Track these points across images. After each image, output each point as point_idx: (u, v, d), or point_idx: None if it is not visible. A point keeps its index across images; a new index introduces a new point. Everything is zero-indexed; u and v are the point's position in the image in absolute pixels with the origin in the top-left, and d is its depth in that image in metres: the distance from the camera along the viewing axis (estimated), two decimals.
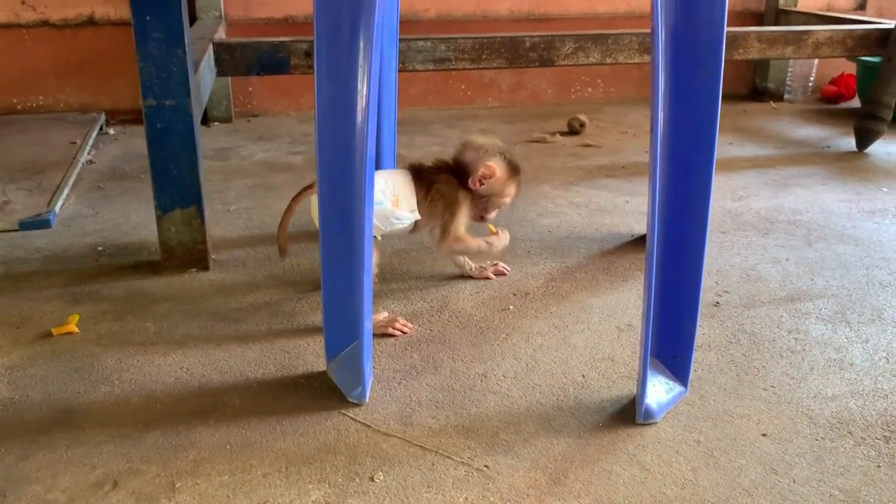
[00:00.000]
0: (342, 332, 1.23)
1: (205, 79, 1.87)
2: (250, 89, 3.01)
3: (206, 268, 1.65)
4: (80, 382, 1.24)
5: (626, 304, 1.52)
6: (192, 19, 2.82)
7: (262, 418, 1.16)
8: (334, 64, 1.12)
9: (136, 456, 1.07)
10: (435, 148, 2.63)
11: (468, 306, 1.50)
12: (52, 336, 1.38)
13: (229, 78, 2.90)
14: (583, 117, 2.85)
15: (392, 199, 1.42)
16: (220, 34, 2.63)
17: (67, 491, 1.00)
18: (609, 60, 2.42)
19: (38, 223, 1.88)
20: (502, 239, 1.55)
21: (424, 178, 1.48)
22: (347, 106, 1.12)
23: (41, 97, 2.85)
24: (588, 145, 2.68)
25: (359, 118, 1.11)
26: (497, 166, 1.48)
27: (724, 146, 2.63)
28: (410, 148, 2.62)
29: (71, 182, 2.16)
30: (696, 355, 1.32)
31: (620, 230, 1.90)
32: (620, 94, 3.32)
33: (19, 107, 2.85)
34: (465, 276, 1.62)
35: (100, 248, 1.77)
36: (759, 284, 1.60)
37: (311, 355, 1.32)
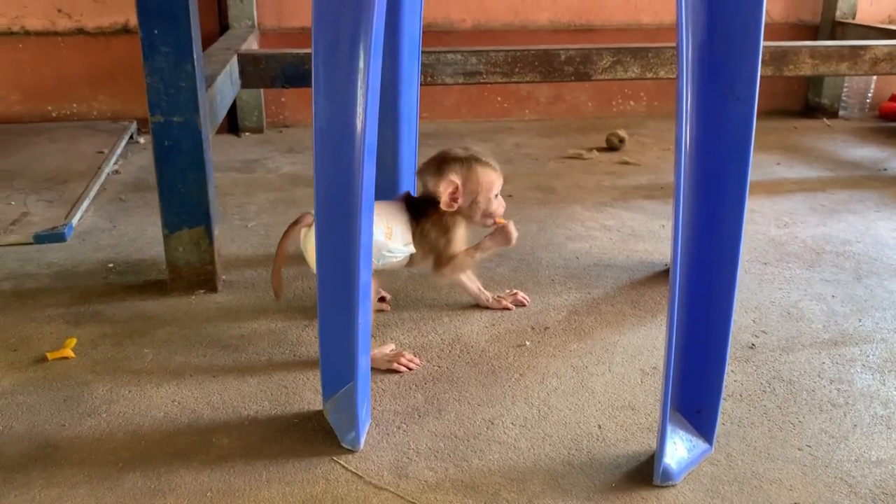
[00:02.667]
0: (339, 370, 1.15)
1: (223, 92, 1.82)
2: (283, 100, 2.97)
3: (213, 289, 1.59)
4: (67, 414, 1.19)
5: (653, 343, 1.41)
6: (224, 28, 2.79)
7: (248, 462, 1.08)
8: (332, 83, 1.04)
9: (111, 501, 1.00)
10: None
11: (482, 340, 1.41)
12: (46, 361, 1.33)
13: (261, 90, 2.87)
14: (622, 132, 2.73)
15: (385, 232, 1.32)
16: (252, 44, 2.59)
17: None
18: (649, 75, 2.31)
19: (53, 237, 1.85)
20: (502, 231, 1.40)
21: (419, 208, 1.38)
22: (346, 128, 1.04)
23: (75, 105, 2.85)
24: (626, 163, 2.57)
25: (357, 142, 1.03)
26: (455, 176, 1.33)
27: (771, 166, 2.48)
28: None
29: (92, 194, 2.13)
30: (725, 406, 1.21)
31: (653, 258, 1.79)
32: (665, 108, 3.19)
33: (54, 114, 2.85)
34: (482, 307, 1.53)
35: (110, 265, 1.73)
36: (800, 324, 1.48)
37: (309, 391, 1.25)
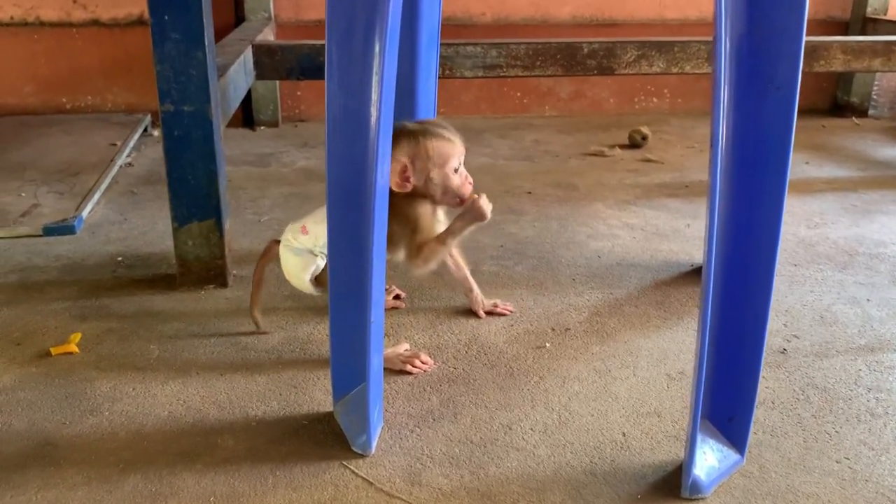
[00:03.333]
0: (350, 370, 1.10)
1: (236, 83, 1.77)
2: (299, 93, 2.92)
3: (224, 284, 1.54)
4: (69, 411, 1.14)
5: (679, 346, 1.34)
6: (240, 20, 2.74)
7: (254, 465, 1.03)
8: (346, 71, 0.99)
9: None
10: (483, 159, 2.49)
11: (500, 341, 1.36)
12: (50, 356, 1.29)
13: (277, 81, 2.82)
14: (645, 129, 2.66)
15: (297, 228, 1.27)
16: (268, 36, 2.54)
17: None
18: (675, 70, 2.24)
19: (63, 229, 1.81)
20: (471, 208, 1.24)
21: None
22: (360, 119, 0.99)
23: (89, 97, 2.82)
24: (649, 160, 2.50)
25: (372, 133, 0.98)
26: (402, 154, 1.20)
27: (800, 165, 2.41)
28: None
29: (104, 186, 2.09)
30: (757, 413, 1.14)
31: (678, 258, 1.72)
32: (688, 105, 3.11)
33: (68, 106, 2.82)
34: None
35: (119, 258, 1.69)
36: (834, 329, 1.41)
37: (319, 392, 1.20)
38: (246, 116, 2.84)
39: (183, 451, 1.06)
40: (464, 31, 2.89)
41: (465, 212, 1.24)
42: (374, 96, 0.97)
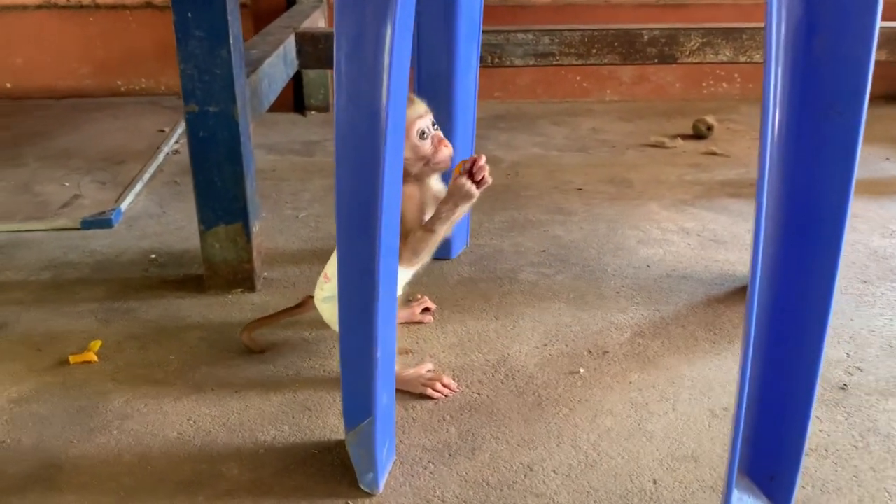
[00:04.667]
0: (360, 401, 1.03)
1: (271, 77, 1.71)
2: None
3: (251, 289, 1.50)
4: (78, 428, 1.12)
5: (725, 377, 1.23)
6: (291, 3, 2.69)
7: (256, 499, 0.98)
8: (355, 82, 0.91)
9: None
10: (535, 149, 2.38)
11: (530, 364, 1.27)
12: (68, 364, 1.27)
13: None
14: (711, 119, 2.50)
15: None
16: (318, 21, 2.48)
17: None
18: (742, 59, 2.08)
19: (100, 223, 1.80)
20: (455, 188, 1.11)
21: None
22: (369, 134, 0.91)
23: (143, 80, 2.83)
24: (713, 153, 2.35)
25: (379, 151, 0.89)
26: None
27: (879, 162, 2.22)
28: (508, 149, 2.39)
29: (146, 177, 2.08)
30: (806, 462, 1.03)
31: (735, 270, 1.59)
32: (760, 92, 2.91)
33: (123, 88, 2.83)
34: (533, 324, 1.39)
35: (153, 256, 1.66)
36: None
37: (333, 416, 1.14)
38: (297, 101, 2.79)
39: (185, 480, 1.02)
40: (521, 13, 2.77)
41: (450, 193, 1.11)
42: (384, 111, 0.89)
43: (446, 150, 1.14)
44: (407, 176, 1.12)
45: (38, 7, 2.72)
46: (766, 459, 0.92)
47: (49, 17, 2.74)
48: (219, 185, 1.42)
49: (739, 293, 1.50)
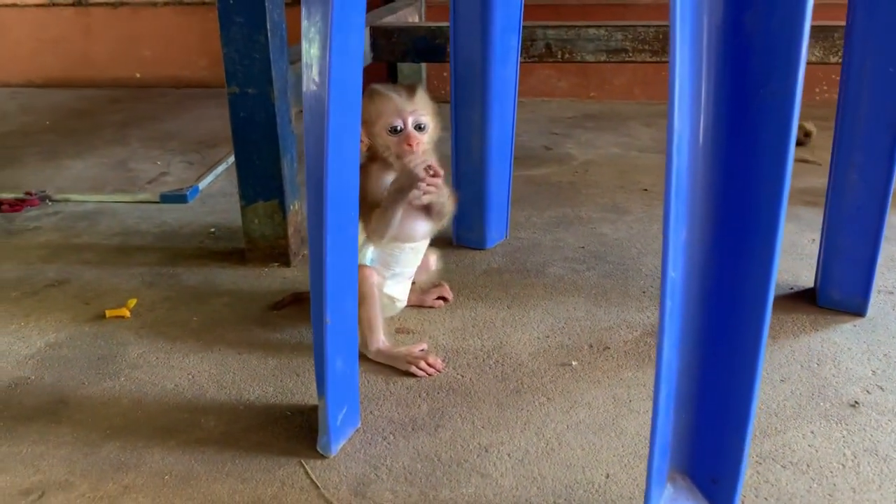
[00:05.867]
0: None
1: None
2: (445, 74, 2.91)
3: (286, 264, 1.58)
4: (92, 373, 1.23)
5: None
6: (388, 0, 2.77)
7: (221, 450, 1.05)
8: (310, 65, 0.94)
9: (81, 467, 1.02)
10: (613, 149, 2.33)
11: (524, 352, 1.26)
12: (104, 318, 1.39)
13: (423, 63, 2.84)
14: (809, 125, 2.35)
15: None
16: (411, 16, 2.56)
17: None
18: (833, 59, 1.94)
19: (176, 198, 1.95)
20: (401, 171, 1.17)
21: None
22: (320, 121, 0.94)
23: None
24: (805, 161, 2.20)
25: (324, 112, 0.93)
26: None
27: None
28: (585, 147, 2.35)
29: (231, 160, 2.22)
30: (780, 474, 0.97)
31: (781, 279, 1.50)
32: None
33: None
34: (543, 315, 1.38)
35: (212, 230, 1.79)
36: None
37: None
38: None
39: (165, 426, 1.10)
40: (622, 11, 2.71)
41: (399, 174, 1.17)
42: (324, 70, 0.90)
43: (407, 149, 1.18)
44: (375, 156, 1.16)
45: (166, 3, 2.98)
46: (708, 461, 0.87)
47: (174, 13, 2.98)
48: (257, 163, 1.51)
49: (777, 301, 1.41)
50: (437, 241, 1.65)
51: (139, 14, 3.00)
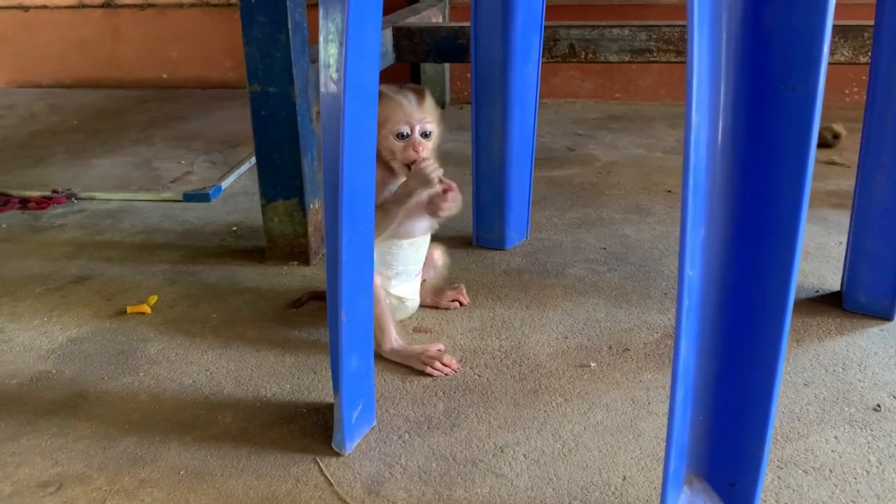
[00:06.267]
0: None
1: None
2: (468, 75, 2.91)
3: (306, 262, 1.59)
4: (112, 368, 1.24)
5: None
6: (413, 0, 2.78)
7: (237, 446, 1.05)
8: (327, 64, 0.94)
9: (98, 461, 1.02)
10: (637, 150, 2.31)
11: (543, 353, 1.25)
12: (125, 314, 1.40)
13: (446, 64, 2.84)
14: (838, 127, 2.31)
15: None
16: (434, 17, 2.56)
17: (17, 484, 0.99)
18: (863, 59, 1.91)
19: (199, 196, 1.97)
20: (416, 172, 1.18)
21: None
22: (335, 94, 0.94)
23: None
24: (833, 163, 2.17)
25: (341, 114, 0.93)
26: None
27: None
28: (608, 149, 2.34)
29: (255, 159, 2.23)
30: (802, 480, 0.95)
31: (807, 281, 1.47)
32: None
33: None
34: (562, 316, 1.36)
35: (234, 228, 1.80)
36: None
37: None
38: None
39: (182, 422, 1.10)
40: (645, 10, 2.69)
41: (410, 177, 1.19)
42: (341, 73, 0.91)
43: (413, 154, 1.19)
44: (378, 159, 1.16)
45: (192, 5, 3.00)
46: (726, 464, 0.86)
47: (201, 14, 3.01)
48: (277, 161, 1.51)
49: (801, 304, 1.39)
50: (457, 242, 1.66)
51: (166, 15, 3.04)
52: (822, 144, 2.31)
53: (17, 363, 1.26)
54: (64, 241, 1.74)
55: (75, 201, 1.97)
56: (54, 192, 1.99)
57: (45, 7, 3.14)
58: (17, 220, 1.87)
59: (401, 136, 1.19)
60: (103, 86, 3.15)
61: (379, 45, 0.92)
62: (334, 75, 0.92)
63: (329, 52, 0.93)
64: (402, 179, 1.23)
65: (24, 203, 1.94)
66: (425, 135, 1.21)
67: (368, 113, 0.94)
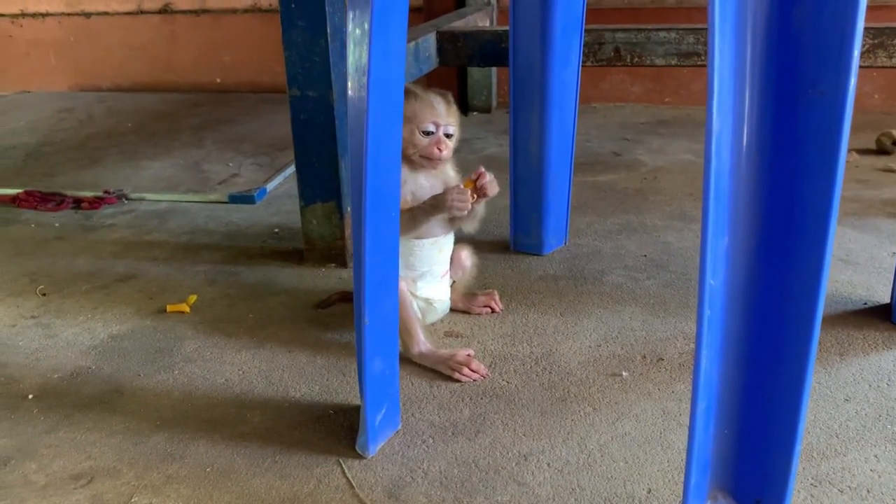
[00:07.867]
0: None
1: None
2: None
3: (343, 264, 1.60)
4: (149, 365, 1.27)
5: None
6: (461, 4, 2.78)
7: (263, 446, 1.06)
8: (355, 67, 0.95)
9: (129, 456, 1.05)
10: (685, 156, 2.27)
11: (574, 361, 1.23)
12: (165, 312, 1.43)
13: (493, 68, 2.83)
14: None
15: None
16: (480, 21, 2.55)
17: (51, 475, 1.02)
18: None
19: (244, 198, 2.00)
20: (446, 194, 1.20)
21: None
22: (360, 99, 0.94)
23: None
24: (891, 170, 2.09)
25: (365, 123, 0.93)
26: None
27: None
28: (655, 154, 2.30)
29: None
30: (839, 500, 0.91)
31: (855, 293, 1.42)
32: None
33: None
34: (597, 324, 1.34)
35: (276, 230, 1.82)
36: None
37: None
38: (461, 101, 2.88)
39: (211, 420, 1.12)
40: (695, 14, 2.64)
41: (439, 195, 1.22)
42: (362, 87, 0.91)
43: (436, 152, 1.23)
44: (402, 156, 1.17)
45: (245, 10, 3.06)
46: (752, 480, 0.83)
47: (253, 20, 3.07)
48: (316, 164, 1.53)
49: (848, 316, 1.34)
50: (494, 246, 1.65)
51: (220, 21, 3.10)
52: (881, 151, 2.24)
53: (59, 358, 1.30)
54: (112, 241, 1.79)
55: (126, 202, 2.03)
56: (106, 192, 2.05)
57: (105, 13, 3.25)
58: (71, 219, 1.93)
59: (426, 133, 1.23)
60: (159, 90, 3.24)
61: (404, 48, 0.92)
62: (360, 80, 0.93)
63: (355, 55, 0.94)
64: (423, 172, 1.25)
65: (78, 203, 2.00)
66: (448, 136, 1.25)
67: (393, 116, 0.94)
